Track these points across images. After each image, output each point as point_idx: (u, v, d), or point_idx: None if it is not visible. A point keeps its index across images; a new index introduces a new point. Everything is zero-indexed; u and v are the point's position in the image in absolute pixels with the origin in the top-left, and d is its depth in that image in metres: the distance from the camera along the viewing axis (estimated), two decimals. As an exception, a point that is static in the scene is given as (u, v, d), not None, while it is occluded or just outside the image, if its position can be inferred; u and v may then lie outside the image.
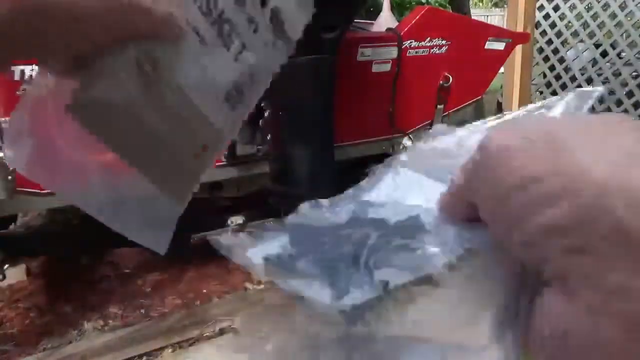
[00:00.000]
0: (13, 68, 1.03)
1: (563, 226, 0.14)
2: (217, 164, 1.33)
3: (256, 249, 0.22)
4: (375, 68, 1.54)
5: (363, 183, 0.29)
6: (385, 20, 1.81)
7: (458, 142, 0.28)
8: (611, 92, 3.67)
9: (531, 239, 0.16)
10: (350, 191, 0.28)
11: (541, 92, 4.09)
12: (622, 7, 3.58)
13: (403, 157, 0.30)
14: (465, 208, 0.20)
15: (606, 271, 0.14)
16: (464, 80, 1.72)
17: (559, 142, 0.16)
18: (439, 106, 1.71)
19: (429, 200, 0.24)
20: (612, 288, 0.14)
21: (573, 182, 0.14)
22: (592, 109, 0.29)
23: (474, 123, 0.32)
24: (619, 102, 3.64)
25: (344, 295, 0.19)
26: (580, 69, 3.85)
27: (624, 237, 0.13)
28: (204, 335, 1.35)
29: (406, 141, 1.71)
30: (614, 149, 0.15)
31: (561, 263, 0.15)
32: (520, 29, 2.04)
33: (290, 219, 0.25)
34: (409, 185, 0.27)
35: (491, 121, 0.31)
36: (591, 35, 3.77)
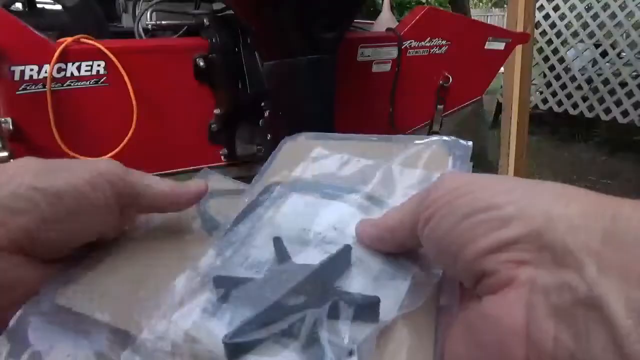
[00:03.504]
0: (13, 68, 1.03)
1: (513, 242, 0.18)
2: (217, 164, 1.33)
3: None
4: (375, 68, 1.54)
5: (262, 210, 0.30)
6: (386, 20, 1.81)
7: (338, 165, 0.33)
8: (611, 92, 3.67)
9: (481, 255, 0.19)
10: (250, 222, 0.29)
11: (541, 92, 4.08)
12: (622, 7, 3.58)
13: (291, 181, 0.32)
14: (399, 240, 0.24)
15: (545, 276, 0.17)
16: (463, 80, 1.72)
17: (508, 182, 0.21)
18: (438, 106, 1.71)
19: (339, 227, 0.27)
20: (548, 288, 0.17)
21: (524, 210, 0.19)
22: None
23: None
24: (618, 102, 3.63)
25: None
26: (580, 69, 3.85)
27: (562, 250, 0.17)
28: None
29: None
30: (549, 191, 0.20)
31: (508, 273, 0.18)
32: (520, 29, 2.03)
33: (207, 268, 0.25)
34: (312, 209, 0.29)
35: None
36: (591, 35, 3.77)
